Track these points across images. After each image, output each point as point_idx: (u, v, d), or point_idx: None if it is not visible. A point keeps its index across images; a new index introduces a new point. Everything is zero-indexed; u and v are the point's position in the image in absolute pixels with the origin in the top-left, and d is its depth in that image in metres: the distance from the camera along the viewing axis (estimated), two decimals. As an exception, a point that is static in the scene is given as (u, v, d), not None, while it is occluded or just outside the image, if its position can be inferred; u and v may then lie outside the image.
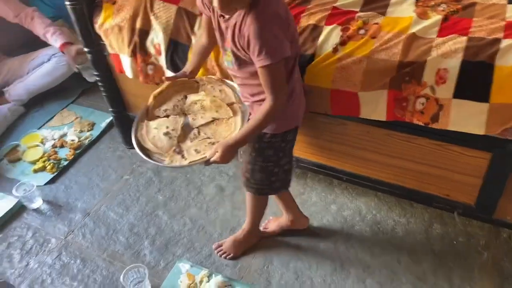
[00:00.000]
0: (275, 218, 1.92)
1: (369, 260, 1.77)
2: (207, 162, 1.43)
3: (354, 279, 1.72)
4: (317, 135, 1.75)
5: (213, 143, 1.49)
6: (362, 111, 1.51)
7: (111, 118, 2.49)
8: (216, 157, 1.39)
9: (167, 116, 1.62)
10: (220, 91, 1.64)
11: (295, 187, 2.07)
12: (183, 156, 1.49)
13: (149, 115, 1.64)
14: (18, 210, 2.15)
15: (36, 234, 2.03)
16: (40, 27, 2.55)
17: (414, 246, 1.80)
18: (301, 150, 1.85)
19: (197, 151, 1.50)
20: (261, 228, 1.88)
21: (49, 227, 2.06)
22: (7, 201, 2.17)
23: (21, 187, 2.12)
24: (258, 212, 1.77)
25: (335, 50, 1.49)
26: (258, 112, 1.36)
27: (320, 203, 2.01)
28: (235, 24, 1.29)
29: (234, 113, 1.57)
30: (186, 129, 1.59)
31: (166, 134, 1.55)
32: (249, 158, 1.56)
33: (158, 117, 1.63)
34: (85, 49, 2.05)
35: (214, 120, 1.58)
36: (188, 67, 1.64)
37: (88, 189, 2.23)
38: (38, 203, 2.16)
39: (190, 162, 1.47)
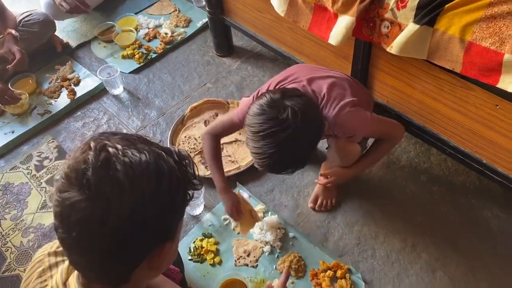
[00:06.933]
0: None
1: (448, 251, 1.51)
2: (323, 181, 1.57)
3: (423, 266, 1.49)
4: (432, 93, 1.43)
5: (233, 161, 1.77)
6: (502, 79, 1.16)
7: (208, 18, 2.31)
8: (331, 180, 1.54)
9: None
10: None
11: (385, 144, 1.80)
12: (206, 167, 1.75)
13: (184, 123, 1.94)
14: (99, 92, 2.14)
15: (110, 121, 2.02)
16: None
17: (504, 250, 1.50)
18: (404, 104, 1.55)
19: None
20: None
21: (123, 117, 2.03)
22: (92, 81, 2.17)
23: (106, 70, 2.08)
24: None
25: (490, -9, 1.12)
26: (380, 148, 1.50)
27: (409, 170, 1.73)
28: None
29: None
30: None
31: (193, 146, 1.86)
32: None
33: (191, 126, 1.94)
34: None
35: (236, 140, 1.85)
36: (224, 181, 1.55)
37: (169, 88, 2.14)
38: (119, 90, 2.12)
39: (211, 173, 1.60)
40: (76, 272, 0.76)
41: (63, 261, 0.83)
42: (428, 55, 1.29)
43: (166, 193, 0.66)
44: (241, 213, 1.54)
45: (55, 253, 0.84)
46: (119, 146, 0.64)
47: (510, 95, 1.19)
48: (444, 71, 1.32)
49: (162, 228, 0.68)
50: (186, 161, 0.71)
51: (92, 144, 0.64)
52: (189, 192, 0.71)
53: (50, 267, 0.82)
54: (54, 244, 0.87)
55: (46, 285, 0.79)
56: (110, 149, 0.63)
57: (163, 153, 0.67)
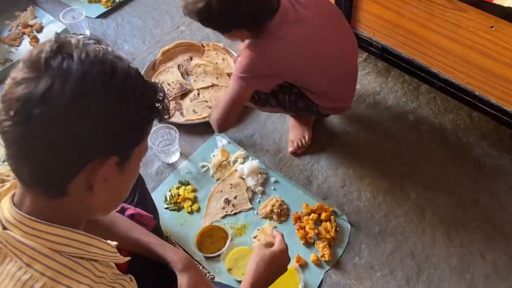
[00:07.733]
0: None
1: (438, 190, 1.44)
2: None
3: (412, 206, 1.42)
4: (421, 20, 1.31)
5: (210, 107, 1.65)
6: (498, -7, 1.06)
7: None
8: None
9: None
10: (223, 60, 1.81)
11: (371, 84, 1.69)
12: (181, 114, 1.65)
13: (156, 68, 1.81)
14: (64, 39, 1.98)
15: (77, 68, 1.87)
16: None
17: (494, 186, 1.44)
18: (392, 36, 1.44)
19: (194, 112, 1.66)
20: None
21: (91, 64, 1.89)
22: (55, 27, 2.00)
23: (69, 13, 1.91)
24: None
25: None
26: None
27: (396, 109, 1.64)
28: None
29: None
30: (187, 88, 1.73)
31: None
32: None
33: (163, 71, 1.80)
34: None
35: (213, 85, 1.73)
36: None
37: (139, 32, 1.99)
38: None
39: (187, 119, 1.63)
40: (9, 194, 0.68)
41: None
42: (417, -27, 1.17)
43: (117, 91, 0.61)
44: None
45: None
46: (81, 38, 0.63)
47: (506, 13, 1.09)
48: (435, -8, 1.21)
49: (107, 135, 0.61)
50: (152, 83, 0.66)
51: (54, 37, 0.62)
52: (152, 114, 0.66)
53: None
54: None
55: None
56: (72, 40, 0.62)
57: (126, 60, 0.65)
